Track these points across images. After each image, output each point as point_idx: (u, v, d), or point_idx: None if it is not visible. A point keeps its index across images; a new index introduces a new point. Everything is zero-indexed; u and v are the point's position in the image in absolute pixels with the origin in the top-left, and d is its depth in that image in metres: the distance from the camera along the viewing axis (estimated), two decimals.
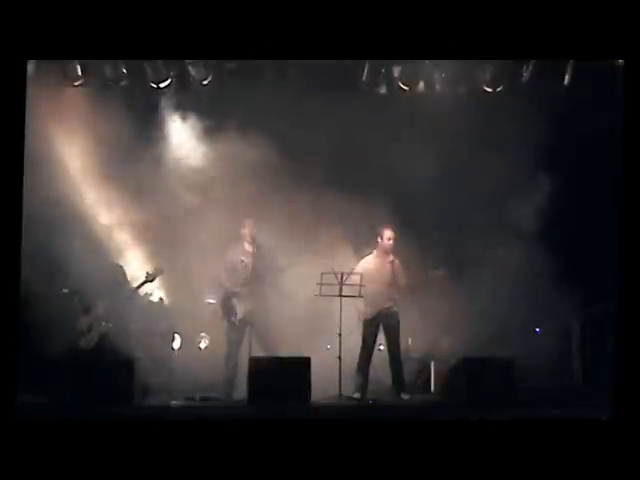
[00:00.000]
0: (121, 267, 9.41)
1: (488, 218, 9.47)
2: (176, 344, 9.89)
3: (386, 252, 9.30)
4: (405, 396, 9.06)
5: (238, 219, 9.32)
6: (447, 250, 9.66)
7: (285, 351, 8.96)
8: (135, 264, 9.72)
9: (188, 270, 9.47)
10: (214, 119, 9.87)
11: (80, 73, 9.64)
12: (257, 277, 9.17)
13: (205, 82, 9.65)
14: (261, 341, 9.10)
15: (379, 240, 9.34)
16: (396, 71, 9.93)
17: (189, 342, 9.91)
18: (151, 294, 9.94)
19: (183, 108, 9.94)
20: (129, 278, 9.36)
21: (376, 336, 9.30)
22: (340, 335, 8.94)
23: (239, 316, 9.10)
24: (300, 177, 9.50)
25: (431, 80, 9.92)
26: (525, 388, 8.68)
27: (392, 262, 9.29)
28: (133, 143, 9.49)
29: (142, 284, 9.22)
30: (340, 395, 8.72)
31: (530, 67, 9.69)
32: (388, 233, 9.30)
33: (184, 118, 9.94)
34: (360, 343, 9.29)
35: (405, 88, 9.98)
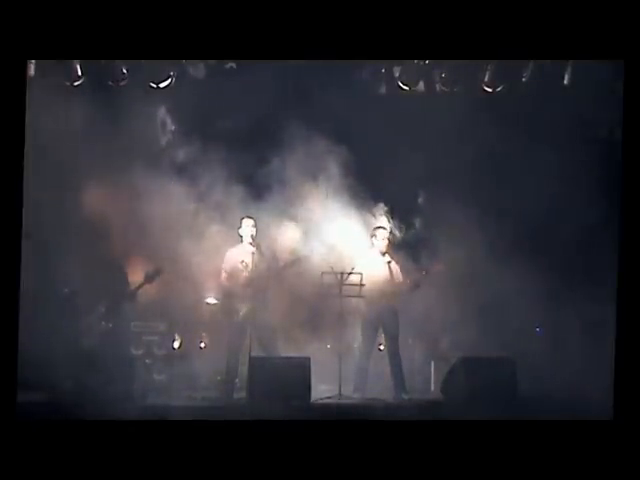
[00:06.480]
0: (122, 267, 9.40)
1: (488, 217, 9.46)
2: (176, 344, 9.88)
3: (382, 252, 9.32)
4: (405, 396, 9.06)
5: (238, 219, 9.31)
6: (447, 250, 9.65)
7: (285, 351, 8.96)
8: (135, 264, 9.71)
9: (188, 270, 9.46)
10: (214, 119, 9.86)
11: (80, 73, 9.65)
12: (257, 277, 9.16)
13: (204, 82, 9.69)
14: (261, 341, 9.09)
15: (374, 240, 9.35)
16: (396, 71, 9.94)
17: (189, 342, 9.90)
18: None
19: (183, 108, 9.93)
20: (129, 278, 9.36)
21: (376, 335, 9.31)
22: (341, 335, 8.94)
23: (239, 316, 9.09)
24: (300, 177, 9.51)
25: (431, 80, 9.92)
26: (525, 388, 8.68)
27: (390, 262, 9.31)
28: (133, 143, 9.48)
29: (142, 284, 9.23)
30: (340, 395, 8.72)
31: (530, 67, 9.70)
32: (382, 233, 9.32)
33: (184, 117, 9.93)
34: (360, 343, 9.31)
35: (405, 88, 9.99)
